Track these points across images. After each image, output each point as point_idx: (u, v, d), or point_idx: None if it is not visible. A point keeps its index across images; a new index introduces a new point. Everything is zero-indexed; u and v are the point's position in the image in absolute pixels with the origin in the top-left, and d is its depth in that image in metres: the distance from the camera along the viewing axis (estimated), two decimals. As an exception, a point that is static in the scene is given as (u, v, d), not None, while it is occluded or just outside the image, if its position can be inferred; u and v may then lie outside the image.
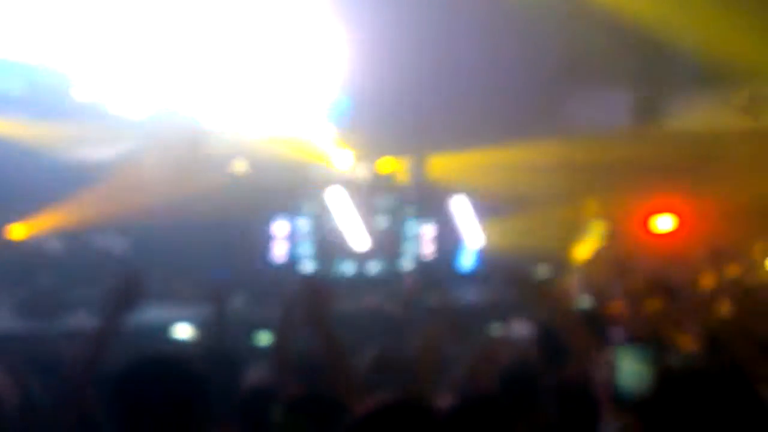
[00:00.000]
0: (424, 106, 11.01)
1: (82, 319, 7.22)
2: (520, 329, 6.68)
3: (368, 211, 10.63)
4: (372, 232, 10.50)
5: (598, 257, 9.63)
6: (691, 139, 10.57)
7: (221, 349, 4.33)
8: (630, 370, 3.60)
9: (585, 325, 3.94)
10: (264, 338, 7.01)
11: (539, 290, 4.12)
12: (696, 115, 10.76)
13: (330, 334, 3.49)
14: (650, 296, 4.84)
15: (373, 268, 10.34)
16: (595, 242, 10.19)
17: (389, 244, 10.57)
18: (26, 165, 8.66)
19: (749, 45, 10.25)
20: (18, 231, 8.54)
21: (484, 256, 11.06)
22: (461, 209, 11.12)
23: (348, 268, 10.23)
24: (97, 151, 9.47)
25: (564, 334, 3.84)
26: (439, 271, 10.45)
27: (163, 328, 7.52)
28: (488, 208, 11.05)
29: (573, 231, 10.59)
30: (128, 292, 3.43)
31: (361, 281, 9.84)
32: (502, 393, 3.74)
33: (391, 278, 10.15)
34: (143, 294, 3.52)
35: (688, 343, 4.26)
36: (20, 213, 8.45)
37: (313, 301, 3.49)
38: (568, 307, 4.52)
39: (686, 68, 11.27)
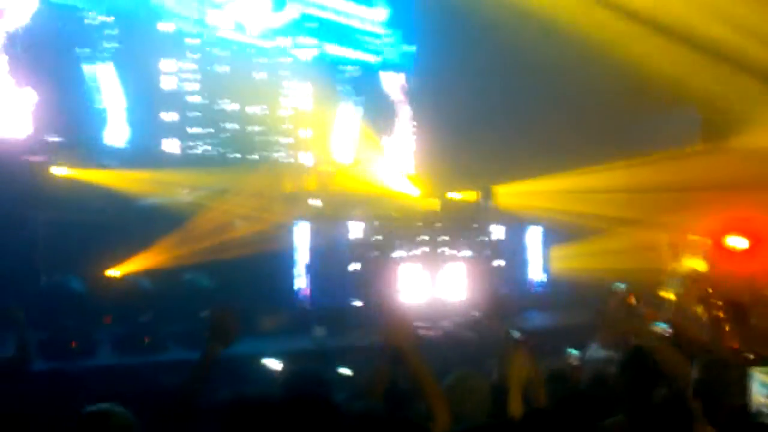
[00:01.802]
0: (492, 140, 11.32)
1: (178, 353, 7.67)
2: (597, 351, 6.81)
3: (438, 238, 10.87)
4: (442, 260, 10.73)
5: (680, 282, 9.62)
6: (761, 156, 10.52)
7: (313, 377, 4.56)
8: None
9: (677, 348, 4.08)
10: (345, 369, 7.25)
11: (634, 314, 4.25)
12: (765, 133, 10.72)
13: (415, 357, 3.72)
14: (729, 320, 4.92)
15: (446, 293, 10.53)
16: (677, 265, 10.17)
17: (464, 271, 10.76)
18: (123, 210, 9.28)
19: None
20: (116, 272, 9.11)
21: (556, 281, 11.15)
22: (533, 236, 11.26)
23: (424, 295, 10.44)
24: (184, 195, 10.04)
25: (659, 357, 3.99)
26: (513, 296, 10.60)
27: (254, 360, 7.87)
28: (561, 234, 11.17)
29: (647, 253, 10.61)
30: (226, 327, 3.74)
31: (436, 307, 10.03)
32: (581, 410, 3.91)
33: (463, 304, 10.30)
34: (239, 329, 3.84)
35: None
36: (118, 255, 9.02)
37: (393, 326, 3.71)
38: (660, 332, 4.63)
39: (752, 86, 11.24)
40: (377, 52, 12.48)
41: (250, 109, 11.25)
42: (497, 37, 11.46)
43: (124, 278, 9.04)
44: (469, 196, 11.55)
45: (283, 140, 11.49)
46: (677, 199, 10.62)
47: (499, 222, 11.19)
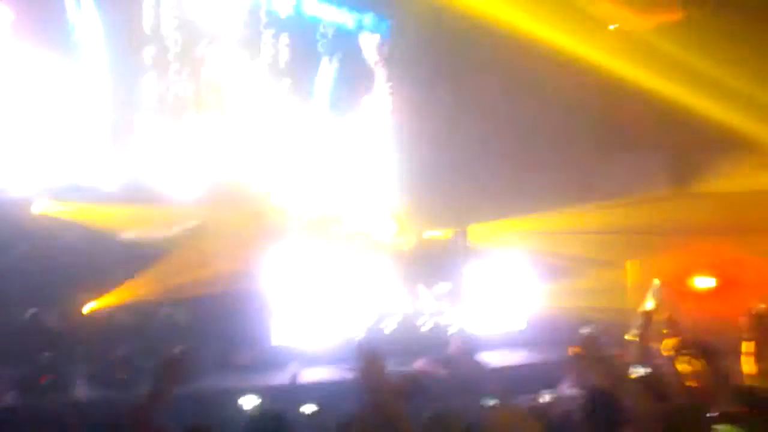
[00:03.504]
0: (470, 180, 11.55)
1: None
2: (567, 390, 6.92)
3: (414, 275, 10.99)
4: (419, 295, 10.85)
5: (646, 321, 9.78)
6: (728, 200, 10.80)
7: (274, 417, 4.59)
8: None
9: (645, 390, 4.17)
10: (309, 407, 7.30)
11: (601, 357, 4.34)
12: (732, 177, 11.02)
13: (389, 400, 3.78)
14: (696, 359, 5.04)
15: (421, 329, 10.63)
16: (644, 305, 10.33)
17: (436, 305, 10.88)
18: (98, 246, 9.32)
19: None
20: (92, 306, 9.11)
21: (531, 319, 11.27)
22: (509, 273, 11.41)
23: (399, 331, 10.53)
24: (161, 230, 10.10)
25: (623, 399, 4.08)
26: (487, 333, 10.71)
27: (227, 396, 7.91)
28: (535, 272, 11.33)
29: (616, 293, 10.79)
30: (177, 365, 3.82)
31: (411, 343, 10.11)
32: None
33: (438, 340, 10.39)
34: (193, 367, 3.92)
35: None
36: (93, 290, 9.03)
37: (368, 369, 3.78)
38: (626, 374, 4.73)
39: (720, 131, 11.59)
40: (356, 13, 12.59)
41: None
42: (472, 80, 11.78)
43: (100, 312, 9.04)
44: (446, 234, 11.71)
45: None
46: (646, 242, 10.84)
47: (472, 259, 11.33)
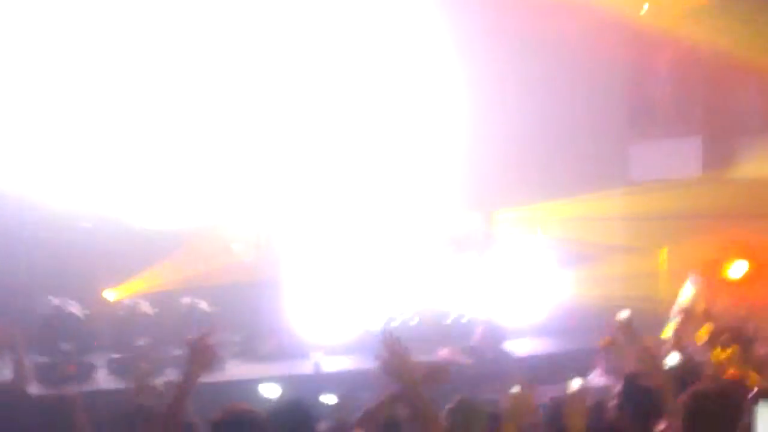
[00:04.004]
0: (495, 165, 11.34)
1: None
2: (597, 379, 6.76)
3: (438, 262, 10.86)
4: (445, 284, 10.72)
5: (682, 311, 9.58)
6: (761, 185, 10.54)
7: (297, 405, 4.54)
8: None
9: (678, 382, 4.03)
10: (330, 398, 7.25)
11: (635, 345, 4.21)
12: (759, 162, 10.75)
13: (414, 388, 3.69)
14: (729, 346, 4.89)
15: (445, 318, 10.50)
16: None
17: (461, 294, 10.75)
18: (118, 235, 9.28)
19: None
20: (113, 295, 9.09)
21: (557, 307, 11.11)
22: (536, 260, 11.25)
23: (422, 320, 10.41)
24: (180, 220, 10.05)
25: (658, 391, 3.95)
26: (513, 321, 10.56)
27: (250, 386, 7.85)
28: (562, 260, 11.15)
29: (647, 281, 10.60)
30: (205, 348, 3.77)
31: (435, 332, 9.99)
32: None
33: (463, 329, 10.26)
34: (218, 354, 3.87)
35: None
36: (114, 279, 9.01)
37: (391, 357, 3.68)
38: (660, 365, 4.58)
39: (753, 113, 11.31)
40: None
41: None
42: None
43: (123, 302, 9.02)
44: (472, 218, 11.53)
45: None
46: (678, 228, 10.62)
47: (497, 246, 11.18)
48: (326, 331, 9.65)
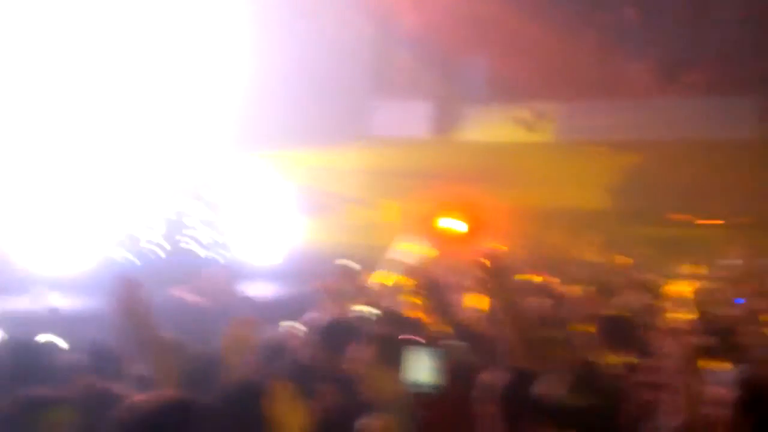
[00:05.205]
0: (243, 112, 11.45)
1: None
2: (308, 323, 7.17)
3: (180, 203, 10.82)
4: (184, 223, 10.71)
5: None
6: (481, 149, 11.60)
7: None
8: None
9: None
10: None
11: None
12: (486, 128, 11.84)
13: (149, 326, 3.71)
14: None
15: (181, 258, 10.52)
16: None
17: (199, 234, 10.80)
18: None
19: (535, 65, 11.44)
20: None
21: (293, 251, 11.50)
22: (275, 205, 11.53)
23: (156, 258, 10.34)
24: None
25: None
26: (246, 263, 10.81)
27: None
28: (300, 206, 11.54)
29: (378, 231, 11.28)
30: None
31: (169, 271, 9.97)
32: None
33: (197, 268, 10.32)
34: None
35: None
36: None
37: (123, 294, 3.61)
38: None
39: (479, 83, 12.37)
40: None
41: None
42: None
43: None
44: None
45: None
46: (407, 184, 11.38)
47: (238, 189, 11.32)
48: (53, 264, 9.30)
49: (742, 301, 6.49)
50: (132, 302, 3.59)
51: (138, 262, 9.96)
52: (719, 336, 4.73)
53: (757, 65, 9.87)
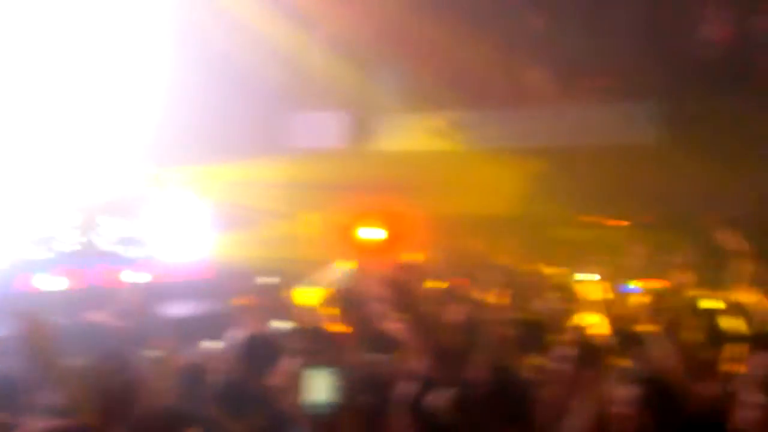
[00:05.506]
0: (162, 126, 11.33)
1: None
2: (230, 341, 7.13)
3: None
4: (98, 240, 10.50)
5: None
6: (397, 158, 11.75)
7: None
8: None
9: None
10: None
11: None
12: (401, 137, 12.00)
13: (54, 354, 3.64)
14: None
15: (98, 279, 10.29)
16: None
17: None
18: None
19: (447, 75, 11.67)
20: None
21: (213, 268, 11.39)
22: (194, 220, 11.42)
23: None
24: None
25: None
26: (165, 281, 10.66)
27: None
28: (220, 221, 11.46)
29: (298, 244, 11.29)
30: None
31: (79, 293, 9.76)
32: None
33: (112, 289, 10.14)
34: None
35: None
36: None
37: (25, 326, 3.53)
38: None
39: (394, 93, 12.53)
40: None
41: None
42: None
43: None
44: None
45: None
46: (325, 195, 11.44)
47: (158, 205, 11.19)
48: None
49: (639, 290, 6.77)
50: (34, 333, 3.54)
51: (47, 284, 9.71)
52: (623, 334, 4.94)
53: (654, 72, 10.31)
